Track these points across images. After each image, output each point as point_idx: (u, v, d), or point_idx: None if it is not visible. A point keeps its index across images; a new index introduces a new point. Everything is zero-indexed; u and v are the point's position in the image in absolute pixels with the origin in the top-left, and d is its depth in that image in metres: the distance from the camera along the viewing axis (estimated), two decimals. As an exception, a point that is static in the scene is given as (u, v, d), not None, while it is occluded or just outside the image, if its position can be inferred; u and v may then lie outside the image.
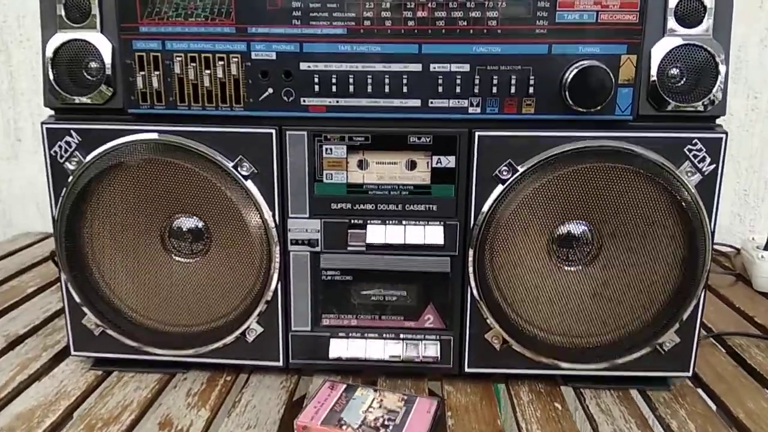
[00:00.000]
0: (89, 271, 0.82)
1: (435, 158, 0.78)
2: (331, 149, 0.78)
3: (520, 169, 0.77)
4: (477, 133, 0.77)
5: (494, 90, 0.75)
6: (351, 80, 0.74)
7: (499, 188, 0.78)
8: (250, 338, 0.85)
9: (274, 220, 0.80)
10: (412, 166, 0.79)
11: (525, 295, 0.79)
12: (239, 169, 0.79)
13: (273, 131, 0.77)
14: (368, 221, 0.80)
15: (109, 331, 0.85)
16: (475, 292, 0.81)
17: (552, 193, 0.76)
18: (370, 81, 0.74)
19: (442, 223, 0.80)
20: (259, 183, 0.79)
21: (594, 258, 0.78)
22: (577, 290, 0.79)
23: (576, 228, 0.79)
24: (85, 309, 0.84)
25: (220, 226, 0.79)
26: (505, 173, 0.78)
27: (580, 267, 0.79)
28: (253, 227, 0.79)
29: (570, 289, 0.79)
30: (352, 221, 0.80)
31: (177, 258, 0.81)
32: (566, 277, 0.78)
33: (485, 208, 0.79)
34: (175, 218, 0.80)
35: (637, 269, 0.78)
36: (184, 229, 0.81)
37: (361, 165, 0.79)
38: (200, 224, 0.80)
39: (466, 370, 0.84)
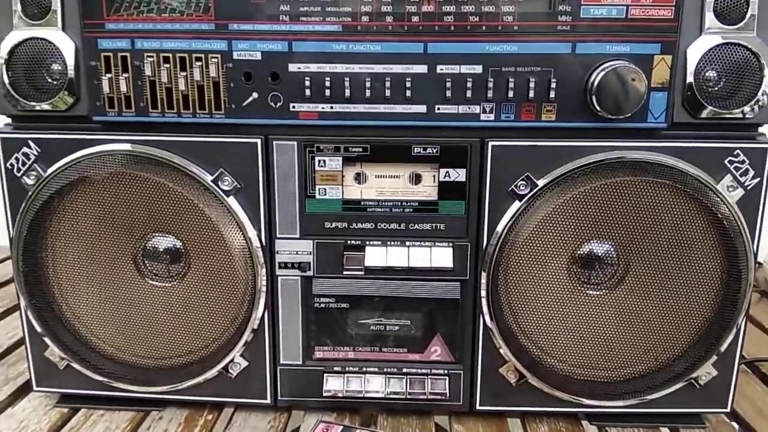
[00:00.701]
0: (51, 297, 0.77)
1: (443, 171, 0.73)
2: (324, 161, 0.73)
3: (540, 184, 0.72)
4: (490, 143, 0.72)
5: (510, 94, 0.69)
6: (347, 83, 0.69)
7: (516, 205, 0.73)
8: (233, 372, 0.80)
9: (260, 241, 0.75)
10: (417, 180, 0.74)
11: (543, 323, 0.75)
12: (220, 183, 0.74)
13: (258, 141, 0.73)
14: (367, 242, 0.75)
15: (76, 365, 0.80)
16: (488, 320, 0.76)
17: (576, 210, 0.71)
18: (368, 84, 0.69)
19: (450, 244, 0.75)
20: (243, 199, 0.74)
21: (620, 281, 0.74)
22: (601, 317, 0.75)
23: (599, 247, 0.74)
24: (47, 340, 0.79)
25: (199, 247, 0.74)
26: (522, 188, 0.73)
27: (604, 291, 0.74)
28: (235, 249, 0.74)
29: (593, 315, 0.75)
30: (349, 242, 0.76)
31: (152, 282, 0.77)
32: (589, 303, 0.74)
33: (500, 227, 0.74)
34: (149, 238, 0.75)
35: (668, 294, 0.73)
36: (159, 250, 0.76)
37: (359, 179, 0.75)
38: (178, 244, 0.75)
39: (478, 407, 0.80)
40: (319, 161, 0.74)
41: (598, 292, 0.74)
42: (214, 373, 0.80)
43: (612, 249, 0.73)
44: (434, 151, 0.73)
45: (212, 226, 0.73)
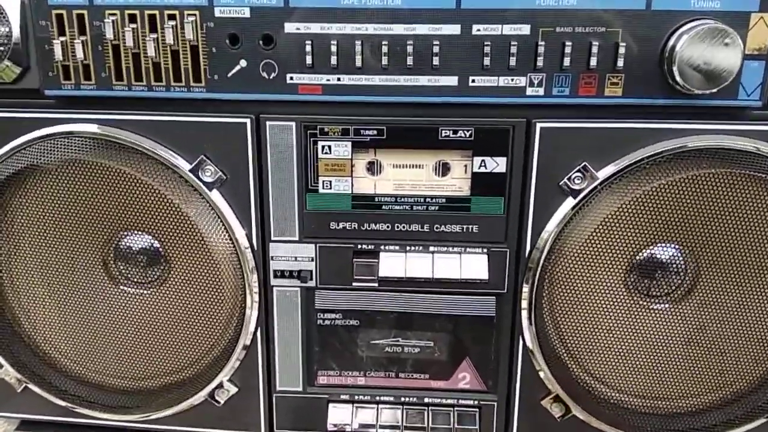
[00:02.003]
0: (7, 307, 0.74)
1: (477, 160, 0.69)
2: (329, 147, 0.69)
3: (600, 176, 0.67)
4: (538, 125, 0.67)
5: (565, 62, 0.64)
6: (358, 49, 0.65)
7: (569, 203, 0.68)
8: (221, 400, 0.77)
9: (251, 245, 0.71)
10: (444, 170, 0.70)
11: (596, 344, 0.71)
12: (200, 174, 0.69)
13: (247, 121, 0.68)
14: (382, 247, 0.72)
15: (34, 388, 0.77)
16: (528, 341, 0.72)
17: (645, 211, 0.66)
18: (385, 50, 0.65)
19: (485, 250, 0.71)
20: (229, 193, 0.70)
21: (687, 292, 0.70)
22: (665, 336, 0.71)
23: (663, 252, 0.69)
24: (0, 359, 0.76)
25: (180, 249, 0.71)
26: (577, 182, 0.67)
27: (669, 304, 0.70)
28: (219, 253, 0.70)
29: (655, 334, 0.71)
30: (360, 247, 0.72)
31: (126, 288, 0.74)
32: (650, 319, 0.71)
33: (548, 230, 0.69)
34: (121, 236, 0.72)
35: (747, 309, 0.69)
36: (134, 250, 0.73)
37: (373, 169, 0.70)
38: (155, 244, 0.72)
39: (515, 446, 0.77)
40: (324, 147, 0.70)
41: (660, 305, 0.70)
42: (199, 400, 0.77)
43: (679, 254, 0.69)
44: (467, 134, 0.69)
45: (191, 226, 0.69)
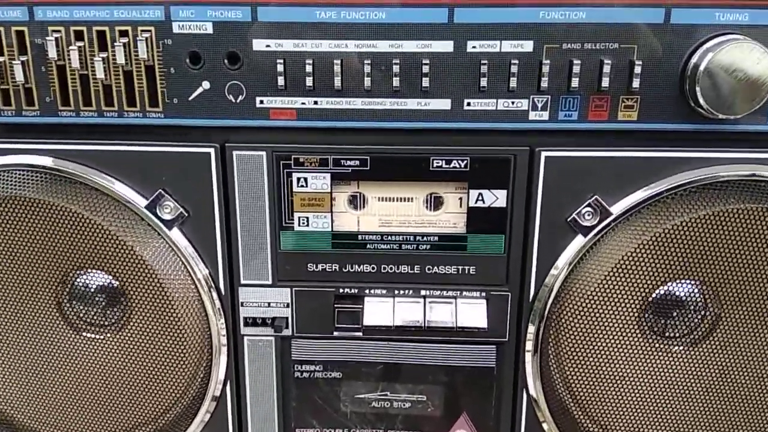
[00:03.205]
0: None
1: (474, 193, 0.66)
2: (306, 180, 0.66)
3: (614, 212, 0.64)
4: (543, 153, 0.64)
5: (573, 83, 0.61)
6: (337, 69, 0.62)
7: (578, 241, 0.65)
8: None
9: (217, 290, 0.69)
10: (437, 205, 0.67)
11: (606, 392, 0.69)
12: (158, 210, 0.66)
13: (212, 151, 0.65)
14: (367, 291, 0.69)
15: None
16: (533, 392, 0.69)
17: (665, 249, 0.64)
18: (368, 70, 0.62)
19: (484, 294, 0.68)
20: (191, 232, 0.67)
21: (708, 333, 0.68)
22: (682, 382, 0.69)
23: (680, 288, 0.67)
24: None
25: (138, 290, 0.68)
26: (588, 217, 0.64)
27: (687, 347, 0.68)
28: (180, 299, 0.67)
29: (671, 380, 0.69)
30: (342, 291, 0.69)
31: (83, 333, 0.71)
32: (666, 363, 0.68)
33: (555, 272, 0.66)
34: (75, 275, 0.69)
35: None
36: (90, 289, 0.69)
37: (355, 203, 0.68)
38: (114, 282, 0.69)
39: None
40: (299, 179, 0.67)
41: (676, 347, 0.68)
42: None
43: (697, 291, 0.66)
44: (462, 164, 0.66)
45: (148, 268, 0.66)
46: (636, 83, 0.60)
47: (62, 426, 0.73)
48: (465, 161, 0.65)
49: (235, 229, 0.67)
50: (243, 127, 0.65)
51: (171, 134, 0.65)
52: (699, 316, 0.67)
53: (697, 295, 0.66)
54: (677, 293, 0.66)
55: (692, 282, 0.66)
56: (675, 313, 0.67)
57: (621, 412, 0.69)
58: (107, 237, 0.65)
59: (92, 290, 0.69)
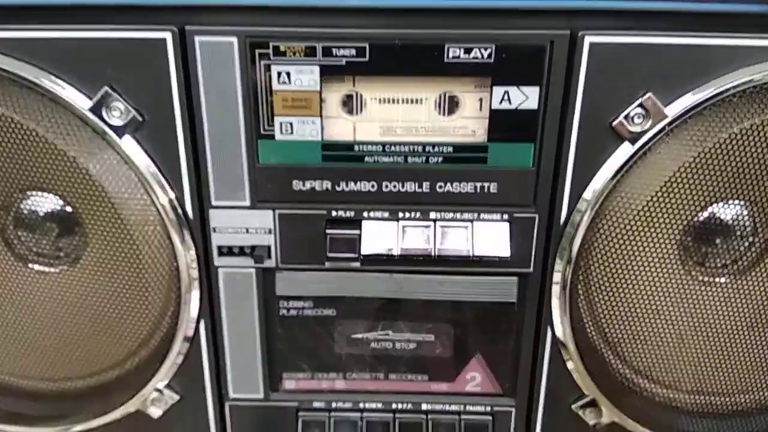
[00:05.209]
0: None
1: (498, 92, 0.58)
2: (289, 74, 0.58)
3: (669, 113, 0.57)
4: (587, 39, 0.56)
5: None
6: None
7: (624, 150, 0.58)
8: (156, 411, 0.70)
9: (184, 213, 0.63)
10: (452, 107, 0.60)
11: (641, 331, 0.66)
12: (105, 113, 0.59)
13: (168, 35, 0.57)
14: (365, 214, 0.63)
15: None
16: (559, 332, 0.65)
17: (726, 159, 0.58)
18: None
19: (507, 216, 0.62)
20: (148, 141, 0.60)
21: (754, 263, 0.64)
22: (724, 317, 0.66)
23: (725, 211, 0.62)
24: None
25: (91, 215, 0.63)
26: (637, 120, 0.57)
27: (730, 278, 0.65)
28: (137, 224, 0.62)
29: (712, 315, 0.66)
30: (335, 214, 0.63)
31: (32, 266, 0.67)
32: (706, 296, 0.65)
33: (593, 189, 0.59)
34: (20, 198, 0.64)
35: None
36: (40, 215, 0.64)
37: (351, 106, 0.60)
38: (66, 207, 0.64)
39: (539, 463, 0.75)
40: (280, 74, 0.58)
41: (719, 279, 0.65)
42: (129, 410, 0.70)
43: (746, 214, 0.62)
44: (485, 54, 0.57)
45: (96, 187, 0.60)
46: (709, -53, 0.49)
47: (15, 371, 0.70)
48: (489, 50, 0.56)
49: (201, 138, 0.60)
50: (206, 6, 0.57)
51: (118, 16, 0.57)
52: (747, 243, 0.63)
53: (746, 218, 0.61)
54: (721, 217, 0.61)
55: (741, 203, 0.61)
56: (720, 240, 0.63)
57: (655, 352, 0.66)
58: (44, 146, 0.58)
59: (40, 215, 0.63)
